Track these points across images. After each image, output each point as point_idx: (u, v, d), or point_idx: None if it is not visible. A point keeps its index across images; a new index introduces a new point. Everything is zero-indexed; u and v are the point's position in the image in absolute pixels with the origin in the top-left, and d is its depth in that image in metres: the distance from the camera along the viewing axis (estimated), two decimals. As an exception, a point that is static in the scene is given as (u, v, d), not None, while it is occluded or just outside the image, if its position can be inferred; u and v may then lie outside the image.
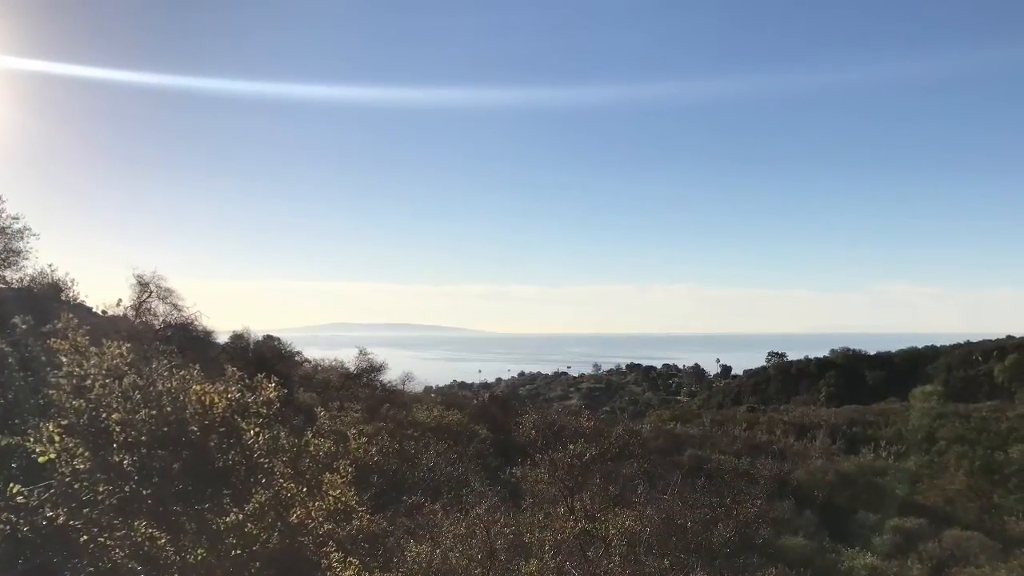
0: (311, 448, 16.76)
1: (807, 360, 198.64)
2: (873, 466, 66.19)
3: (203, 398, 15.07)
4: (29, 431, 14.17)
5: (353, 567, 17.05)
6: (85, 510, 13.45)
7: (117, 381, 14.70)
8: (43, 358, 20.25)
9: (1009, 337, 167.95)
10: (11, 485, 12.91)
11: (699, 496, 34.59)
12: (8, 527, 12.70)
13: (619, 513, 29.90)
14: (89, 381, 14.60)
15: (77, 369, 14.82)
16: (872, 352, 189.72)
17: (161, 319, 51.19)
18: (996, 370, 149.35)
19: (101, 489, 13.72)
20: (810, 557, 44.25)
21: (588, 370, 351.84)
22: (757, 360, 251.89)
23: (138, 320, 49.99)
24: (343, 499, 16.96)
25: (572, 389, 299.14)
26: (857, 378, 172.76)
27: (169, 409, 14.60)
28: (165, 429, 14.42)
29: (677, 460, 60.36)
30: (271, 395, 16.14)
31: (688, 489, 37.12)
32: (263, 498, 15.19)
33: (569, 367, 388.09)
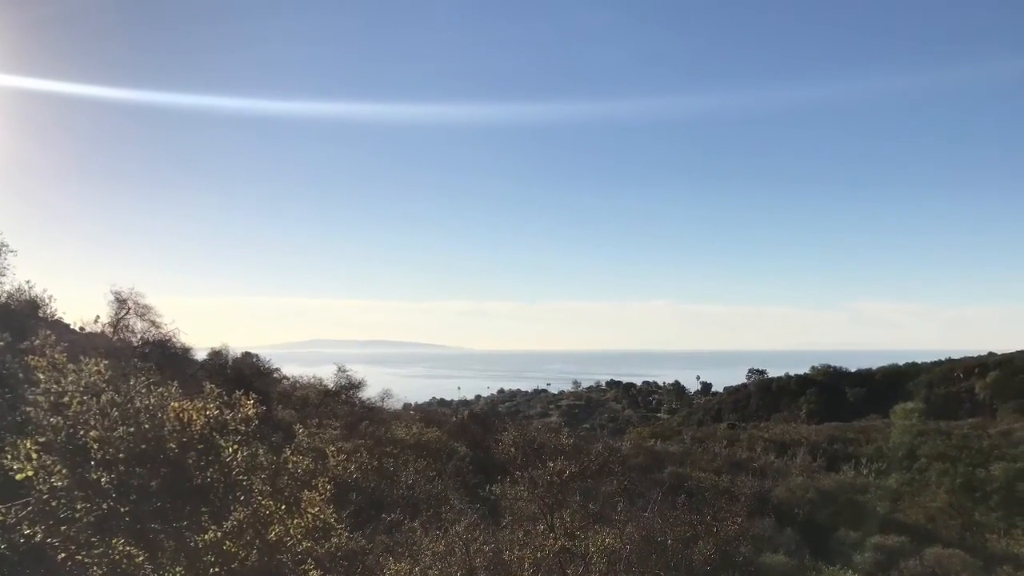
0: (290, 465, 16.71)
1: (788, 377, 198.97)
2: (854, 483, 66.28)
3: (181, 415, 15.03)
4: (6, 448, 14.09)
5: (332, 585, 17.01)
6: (63, 528, 13.38)
7: (95, 398, 14.64)
8: (21, 375, 20.17)
9: (990, 354, 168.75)
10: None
11: (679, 514, 34.60)
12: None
13: (599, 531, 29.89)
14: (67, 398, 14.54)
15: (55, 386, 14.76)
16: (853, 369, 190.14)
17: (139, 336, 51.09)
18: (977, 387, 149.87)
19: (79, 507, 13.66)
20: (791, 575, 44.29)
21: (568, 387, 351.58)
22: (737, 377, 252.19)
23: (116, 337, 49.84)
24: (322, 517, 16.92)
25: (552, 406, 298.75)
26: (838, 395, 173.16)
27: (147, 426, 14.54)
28: (143, 446, 14.36)
29: (657, 477, 60.35)
30: (249, 412, 16.10)
31: (668, 507, 37.11)
32: (241, 515, 15.15)
33: (549, 384, 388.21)
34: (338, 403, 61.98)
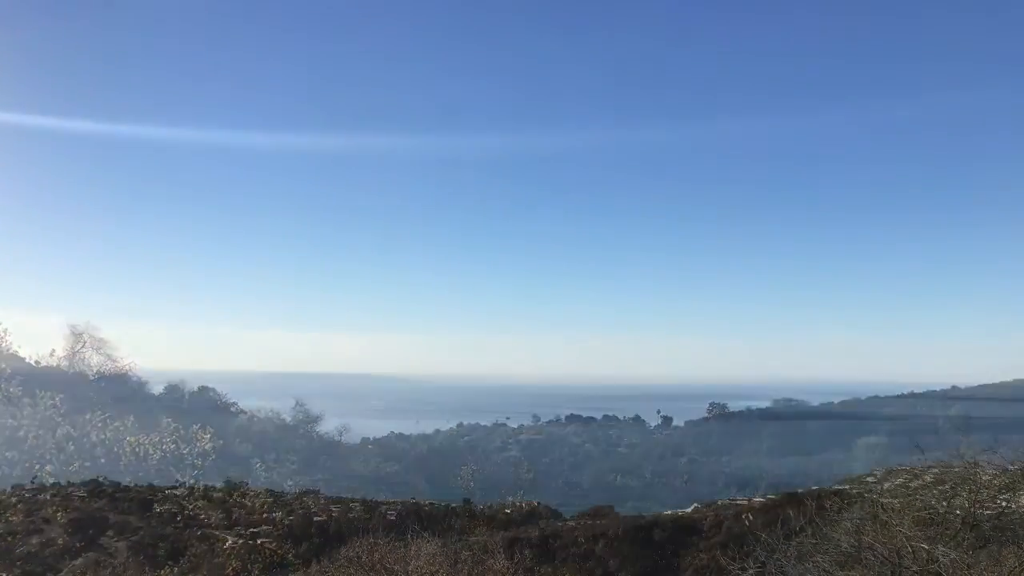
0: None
1: (749, 411, 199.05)
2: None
3: (138, 450, 15.02)
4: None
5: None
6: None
7: (51, 432, 14.61)
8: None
9: (954, 387, 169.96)
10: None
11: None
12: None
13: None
14: (22, 432, 14.51)
15: (10, 420, 14.72)
16: (815, 403, 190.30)
17: (95, 369, 50.89)
18: (940, 420, 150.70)
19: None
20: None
21: (527, 421, 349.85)
22: (698, 411, 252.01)
23: (72, 370, 49.56)
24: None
25: (511, 440, 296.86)
26: (799, 428, 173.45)
27: (103, 461, 14.53)
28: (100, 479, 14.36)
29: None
30: (207, 447, 16.12)
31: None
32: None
33: (508, 418, 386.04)
34: (296, 437, 61.78)
